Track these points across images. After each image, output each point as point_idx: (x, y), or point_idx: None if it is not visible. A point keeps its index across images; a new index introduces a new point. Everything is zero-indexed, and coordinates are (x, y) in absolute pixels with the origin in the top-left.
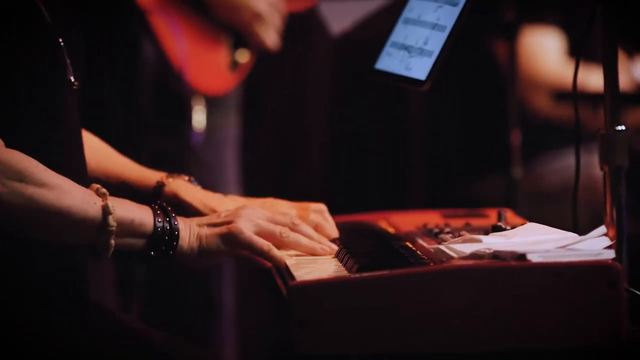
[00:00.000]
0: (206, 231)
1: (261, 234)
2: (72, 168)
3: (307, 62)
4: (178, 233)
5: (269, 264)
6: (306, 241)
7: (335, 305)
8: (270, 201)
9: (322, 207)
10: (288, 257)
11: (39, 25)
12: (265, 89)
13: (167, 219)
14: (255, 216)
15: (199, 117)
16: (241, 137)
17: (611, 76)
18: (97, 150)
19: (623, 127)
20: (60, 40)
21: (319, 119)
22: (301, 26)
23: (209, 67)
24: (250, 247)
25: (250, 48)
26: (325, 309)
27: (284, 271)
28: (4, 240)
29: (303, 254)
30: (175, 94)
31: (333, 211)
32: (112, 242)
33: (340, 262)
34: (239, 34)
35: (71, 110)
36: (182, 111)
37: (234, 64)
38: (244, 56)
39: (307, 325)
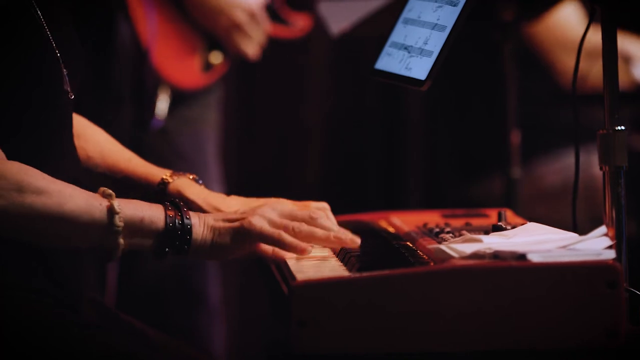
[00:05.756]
0: (221, 225)
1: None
2: (66, 179)
3: (306, 62)
4: (191, 227)
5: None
6: (321, 233)
7: (336, 304)
8: (272, 201)
9: (324, 205)
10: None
11: (37, 39)
12: (264, 89)
13: (179, 214)
14: (270, 213)
15: (162, 106)
16: (233, 136)
17: (610, 76)
18: (102, 145)
19: (622, 127)
20: (57, 52)
21: (318, 118)
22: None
23: (178, 57)
24: (261, 237)
25: (226, 53)
26: (326, 309)
27: (285, 270)
28: None
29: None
30: (142, 78)
31: (333, 211)
32: (121, 241)
33: (341, 262)
34: (213, 36)
35: (65, 122)
36: (146, 97)
37: (207, 65)
38: (217, 58)
39: (307, 325)
